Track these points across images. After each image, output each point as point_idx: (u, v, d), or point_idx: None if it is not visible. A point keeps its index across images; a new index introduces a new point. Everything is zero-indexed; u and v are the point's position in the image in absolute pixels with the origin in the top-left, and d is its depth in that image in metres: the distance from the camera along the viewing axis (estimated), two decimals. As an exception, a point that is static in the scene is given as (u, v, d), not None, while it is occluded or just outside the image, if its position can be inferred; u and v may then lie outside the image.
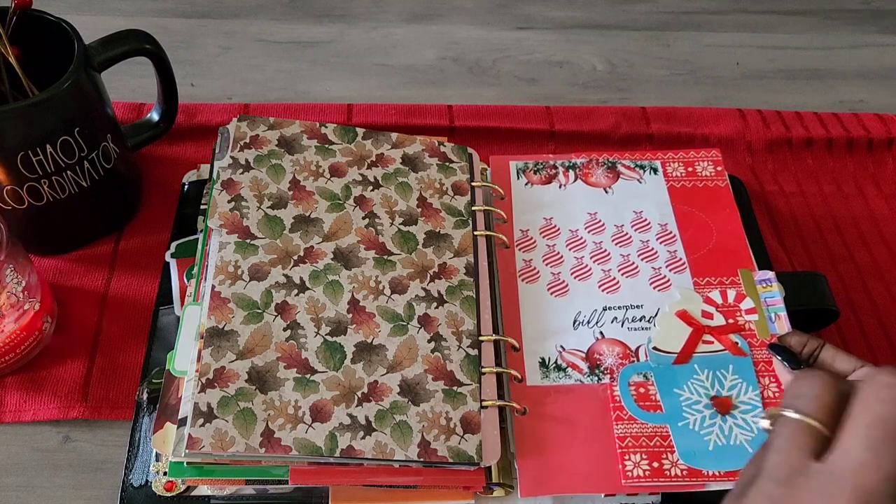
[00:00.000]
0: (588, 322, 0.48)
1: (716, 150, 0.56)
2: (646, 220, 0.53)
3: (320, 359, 0.43)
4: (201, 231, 0.50)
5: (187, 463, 0.40)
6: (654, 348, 0.46)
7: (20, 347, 0.46)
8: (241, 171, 0.49)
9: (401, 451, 0.40)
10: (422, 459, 0.40)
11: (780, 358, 0.44)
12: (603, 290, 0.49)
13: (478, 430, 0.42)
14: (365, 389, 0.42)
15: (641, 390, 0.45)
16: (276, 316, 0.44)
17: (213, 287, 0.44)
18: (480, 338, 0.45)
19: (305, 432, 0.40)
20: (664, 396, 0.44)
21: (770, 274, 0.49)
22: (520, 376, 0.45)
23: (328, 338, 0.43)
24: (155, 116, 0.55)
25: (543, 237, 0.52)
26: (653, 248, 0.51)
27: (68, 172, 0.47)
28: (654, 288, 0.49)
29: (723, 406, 0.44)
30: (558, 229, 0.52)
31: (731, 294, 0.49)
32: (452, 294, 0.46)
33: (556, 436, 0.43)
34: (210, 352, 0.42)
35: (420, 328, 0.45)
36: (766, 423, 0.29)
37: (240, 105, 0.63)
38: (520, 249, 0.51)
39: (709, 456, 0.42)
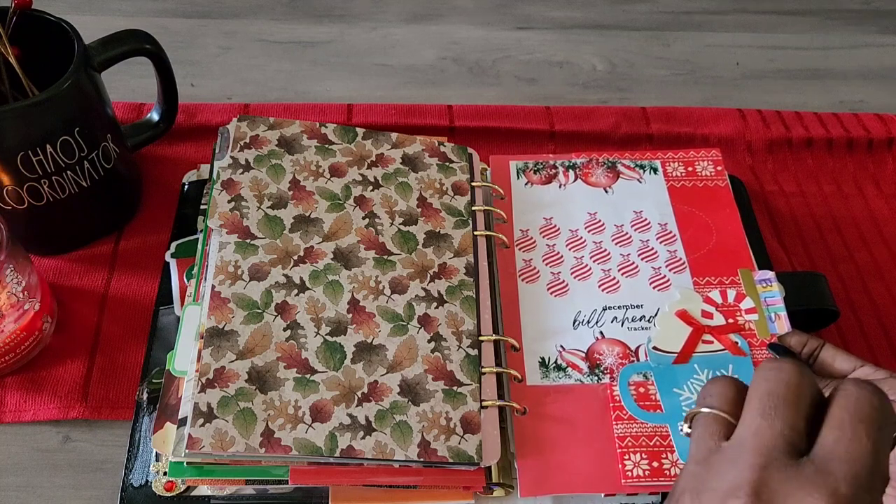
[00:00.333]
0: (588, 322, 0.48)
1: (716, 150, 0.56)
2: (646, 219, 0.53)
3: (320, 359, 0.43)
4: (201, 231, 0.50)
5: (187, 463, 0.40)
6: (654, 348, 0.46)
7: (20, 347, 0.46)
8: (241, 171, 0.49)
9: (401, 451, 0.40)
10: (422, 459, 0.40)
11: (780, 358, 0.44)
12: (603, 290, 0.49)
13: (478, 430, 0.42)
14: (365, 389, 0.42)
15: (641, 390, 0.45)
16: (276, 316, 0.44)
17: (213, 287, 0.44)
18: (480, 338, 0.45)
19: (305, 432, 0.40)
20: (664, 396, 0.44)
21: (770, 274, 0.49)
22: (520, 376, 0.45)
23: (328, 338, 0.43)
24: (155, 116, 0.55)
25: (543, 237, 0.52)
26: (653, 248, 0.51)
27: (68, 172, 0.47)
28: (654, 288, 0.49)
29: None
30: (558, 229, 0.52)
31: (731, 294, 0.49)
32: (452, 294, 0.46)
33: (556, 436, 0.43)
34: (210, 352, 0.42)
35: (420, 328, 0.45)
36: (686, 428, 0.32)
37: (240, 105, 0.63)
38: (520, 249, 0.51)
39: (709, 456, 0.42)
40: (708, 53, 0.72)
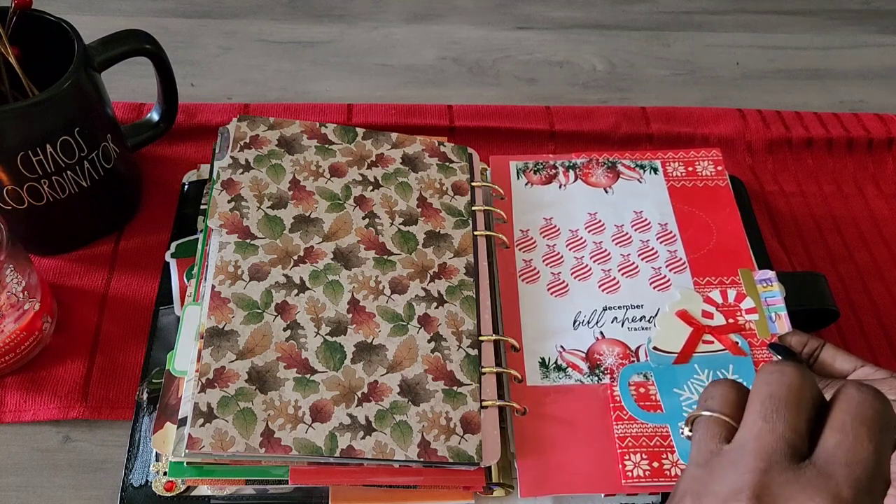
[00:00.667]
0: (588, 322, 0.48)
1: (716, 150, 0.56)
2: (646, 219, 0.53)
3: (320, 359, 0.43)
4: (201, 231, 0.50)
5: (187, 463, 0.40)
6: (655, 348, 0.46)
7: (20, 347, 0.46)
8: (241, 171, 0.49)
9: (401, 451, 0.40)
10: (422, 459, 0.40)
11: (780, 358, 0.44)
12: (603, 290, 0.49)
13: (478, 430, 0.42)
14: (365, 389, 0.42)
15: (641, 390, 0.45)
16: (276, 316, 0.44)
17: (213, 287, 0.44)
18: (480, 338, 0.45)
19: (305, 432, 0.40)
20: (664, 396, 0.44)
21: (770, 273, 0.49)
22: (520, 376, 0.45)
23: (328, 338, 0.43)
24: (155, 116, 0.55)
25: (543, 237, 0.52)
26: (653, 248, 0.51)
27: (68, 172, 0.47)
28: (655, 288, 0.49)
29: None
30: (558, 229, 0.52)
31: (732, 294, 0.49)
32: (452, 294, 0.46)
33: (556, 436, 0.43)
34: (210, 352, 0.42)
35: (420, 328, 0.45)
36: (687, 431, 0.32)
37: (240, 105, 0.63)
38: (520, 249, 0.51)
39: (709, 456, 0.42)
40: (708, 53, 0.72)
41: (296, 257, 0.46)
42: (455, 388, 0.43)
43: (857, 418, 0.27)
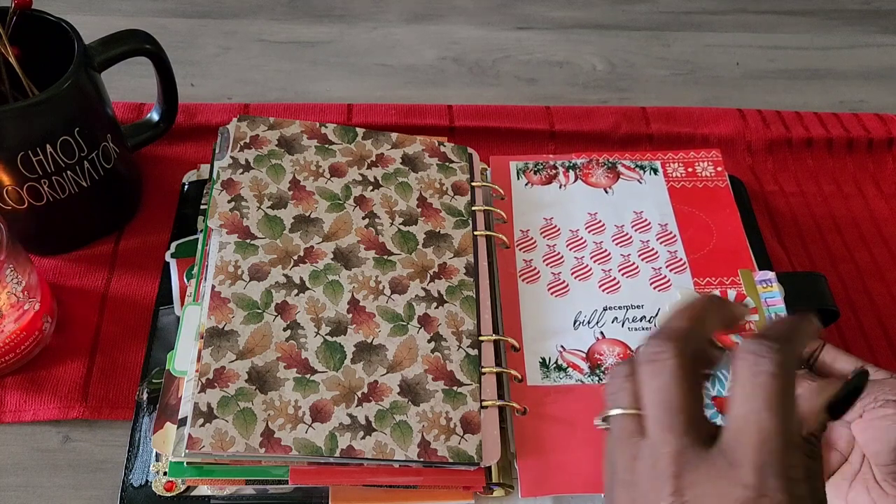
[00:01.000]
0: (588, 322, 0.48)
1: (716, 151, 0.56)
2: (646, 220, 0.53)
3: (320, 359, 0.43)
4: (201, 231, 0.50)
5: (187, 463, 0.40)
6: (655, 348, 0.46)
7: (20, 347, 0.46)
8: (241, 171, 0.49)
9: (401, 451, 0.40)
10: (422, 459, 0.40)
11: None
12: (603, 291, 0.49)
13: (478, 430, 0.42)
14: (365, 389, 0.42)
15: (641, 390, 0.45)
16: (276, 316, 0.44)
17: (213, 287, 0.44)
18: (480, 338, 0.45)
19: (305, 432, 0.40)
20: (664, 396, 0.44)
21: (770, 274, 0.49)
22: (520, 376, 0.45)
23: (328, 338, 0.43)
24: (155, 116, 0.55)
25: (544, 237, 0.52)
26: (653, 249, 0.51)
27: (68, 172, 0.47)
28: (655, 288, 0.49)
29: (723, 406, 0.44)
30: (558, 229, 0.52)
31: (732, 294, 0.49)
32: (452, 294, 0.46)
33: (557, 436, 0.43)
34: (210, 352, 0.42)
35: (420, 328, 0.45)
36: (602, 424, 0.31)
37: (240, 105, 0.63)
38: (520, 249, 0.51)
39: (709, 456, 0.42)
40: (708, 53, 0.72)
41: (296, 257, 0.46)
42: (455, 388, 0.43)
43: (754, 387, 0.26)
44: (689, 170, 0.55)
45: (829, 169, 0.62)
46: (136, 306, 0.51)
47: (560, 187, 0.54)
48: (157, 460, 0.43)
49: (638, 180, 0.55)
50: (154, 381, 0.46)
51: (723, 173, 0.55)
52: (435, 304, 0.46)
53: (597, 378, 0.45)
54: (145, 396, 0.46)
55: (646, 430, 0.28)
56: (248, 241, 0.46)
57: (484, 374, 0.44)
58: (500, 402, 0.43)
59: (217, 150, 0.51)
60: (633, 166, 0.55)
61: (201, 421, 0.39)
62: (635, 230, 0.52)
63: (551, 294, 0.49)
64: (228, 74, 0.67)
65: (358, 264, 0.47)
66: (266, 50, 0.70)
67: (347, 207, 0.49)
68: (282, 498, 0.42)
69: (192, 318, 0.45)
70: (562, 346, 0.47)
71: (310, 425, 0.40)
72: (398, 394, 0.42)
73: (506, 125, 0.62)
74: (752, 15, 0.76)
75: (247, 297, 0.44)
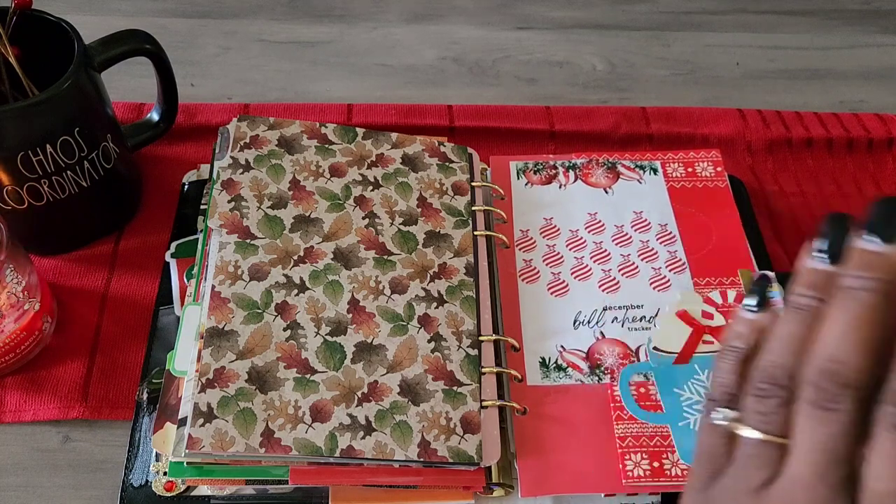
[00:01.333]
0: (588, 322, 0.48)
1: (716, 151, 0.56)
2: (646, 220, 0.53)
3: (320, 359, 0.43)
4: (201, 231, 0.50)
5: (187, 463, 0.40)
6: (655, 348, 0.46)
7: (20, 347, 0.46)
8: (241, 171, 0.49)
9: (401, 451, 0.40)
10: (422, 459, 0.40)
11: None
12: (603, 290, 0.49)
13: (478, 430, 0.42)
14: (365, 389, 0.42)
15: (642, 390, 0.45)
16: (276, 316, 0.44)
17: (213, 287, 0.44)
18: (480, 338, 0.45)
19: (305, 432, 0.40)
20: (664, 396, 0.44)
21: (770, 274, 0.49)
22: (520, 376, 0.45)
23: (328, 338, 0.43)
24: (155, 116, 0.55)
25: (543, 237, 0.52)
26: (653, 249, 0.51)
27: (68, 172, 0.47)
28: (655, 288, 0.49)
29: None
30: (558, 229, 0.52)
31: (732, 294, 0.49)
32: (452, 294, 0.46)
33: (557, 436, 0.43)
34: (210, 352, 0.42)
35: (420, 328, 0.45)
36: (722, 422, 0.29)
37: (240, 105, 0.63)
38: (520, 249, 0.51)
39: (709, 456, 0.42)
40: (708, 53, 0.72)
41: (296, 257, 0.46)
42: (455, 388, 0.43)
43: None
44: (689, 170, 0.55)
45: (830, 169, 0.62)
46: (136, 306, 0.51)
47: (560, 187, 0.54)
48: (157, 460, 0.43)
49: (638, 180, 0.55)
50: (154, 381, 0.46)
51: (722, 173, 0.55)
52: (435, 304, 0.46)
53: (596, 378, 0.45)
54: (145, 396, 0.46)
55: (786, 466, 0.27)
56: (248, 241, 0.46)
57: (484, 374, 0.44)
58: (500, 402, 0.43)
59: (217, 150, 0.51)
60: (632, 166, 0.55)
61: (201, 421, 0.39)
62: (635, 230, 0.52)
63: (551, 294, 0.49)
64: (228, 74, 0.67)
65: (358, 264, 0.47)
66: (266, 50, 0.70)
67: (347, 207, 0.49)
68: (282, 498, 0.42)
69: (192, 318, 0.45)
70: (562, 346, 0.47)
71: (310, 425, 0.40)
72: (398, 394, 0.42)
73: (506, 125, 0.62)
74: (752, 15, 0.76)
75: (247, 297, 0.44)
